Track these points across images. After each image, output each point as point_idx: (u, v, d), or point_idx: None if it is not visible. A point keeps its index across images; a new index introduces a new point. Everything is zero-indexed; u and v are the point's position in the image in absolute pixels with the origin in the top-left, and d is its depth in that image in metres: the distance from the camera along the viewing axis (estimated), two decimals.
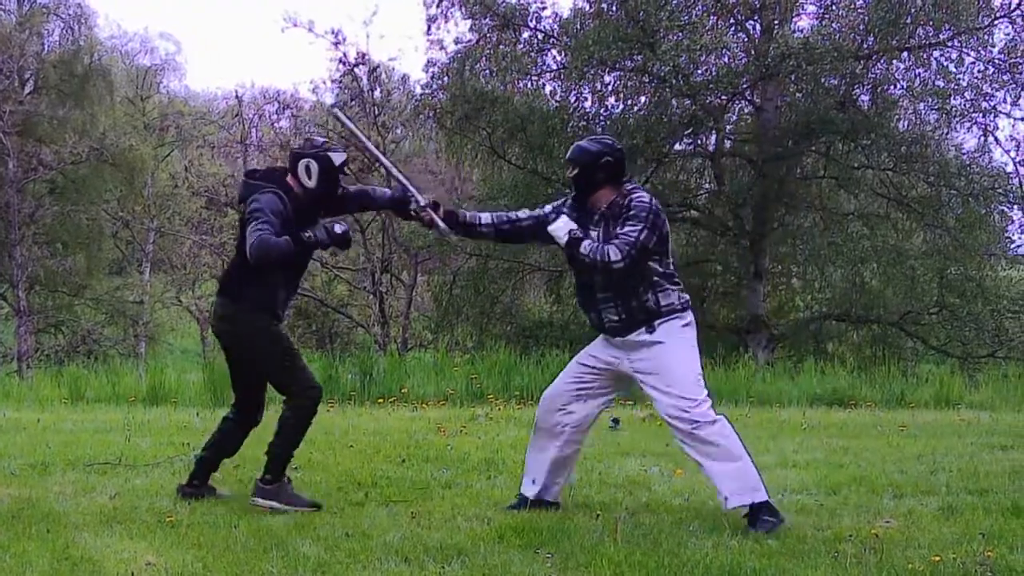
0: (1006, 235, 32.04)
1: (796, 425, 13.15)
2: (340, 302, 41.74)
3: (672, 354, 7.62)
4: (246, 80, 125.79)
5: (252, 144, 44.87)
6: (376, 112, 36.16)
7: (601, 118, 29.96)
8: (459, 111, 30.11)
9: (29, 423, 12.88)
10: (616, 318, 7.68)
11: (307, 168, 7.92)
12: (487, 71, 30.37)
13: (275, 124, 47.07)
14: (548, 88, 31.27)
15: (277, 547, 6.81)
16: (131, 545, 6.89)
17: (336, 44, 35.63)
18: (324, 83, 39.57)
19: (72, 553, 6.65)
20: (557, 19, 30.23)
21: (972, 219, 29.28)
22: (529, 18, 30.26)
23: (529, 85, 30.80)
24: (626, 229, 7.55)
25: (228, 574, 6.26)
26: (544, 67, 30.90)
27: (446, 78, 30.91)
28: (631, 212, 7.62)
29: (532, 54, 30.52)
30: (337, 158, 8.03)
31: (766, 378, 18.38)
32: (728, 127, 32.17)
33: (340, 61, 35.80)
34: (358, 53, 35.95)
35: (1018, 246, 32.62)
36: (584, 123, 29.54)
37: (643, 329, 7.63)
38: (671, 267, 7.80)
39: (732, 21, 29.99)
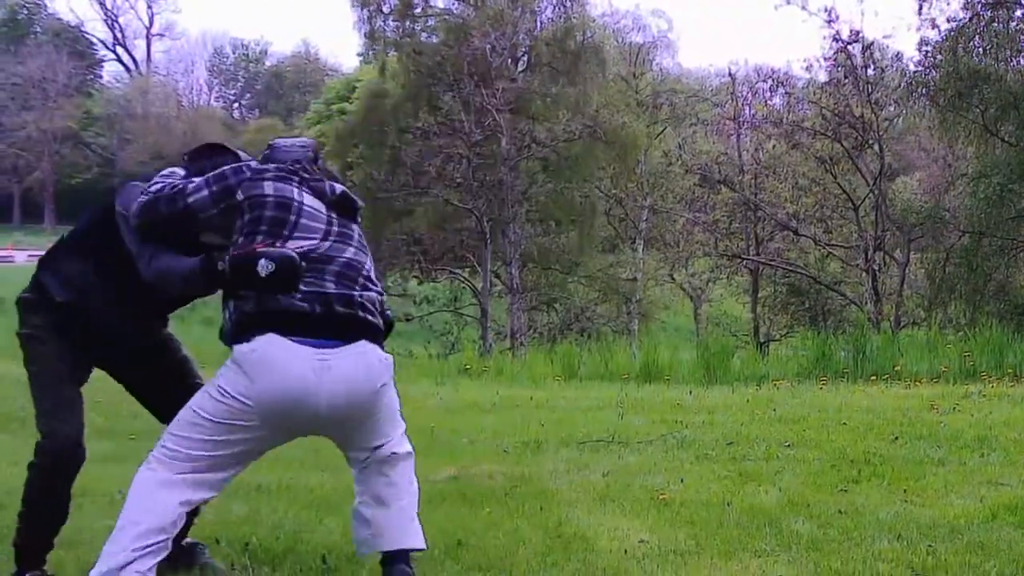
0: None
1: None
2: (833, 279, 41.36)
3: None
4: (739, 57, 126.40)
5: (745, 121, 44.78)
6: (869, 90, 35.96)
7: None
8: (952, 89, 30.26)
9: (522, 400, 13.22)
10: None
11: None
12: (980, 49, 30.62)
13: (768, 102, 46.91)
14: None
15: (770, 525, 6.71)
16: (624, 523, 6.87)
17: (830, 22, 36.32)
18: (817, 61, 39.46)
19: (565, 530, 6.65)
20: None
21: None
22: None
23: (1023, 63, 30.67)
24: None
25: (720, 552, 6.16)
26: None
27: (939, 56, 31.20)
28: None
29: None
30: None
31: None
32: None
33: (833, 39, 36.32)
34: (851, 31, 36.43)
35: None
36: None
37: None
38: None
39: None
